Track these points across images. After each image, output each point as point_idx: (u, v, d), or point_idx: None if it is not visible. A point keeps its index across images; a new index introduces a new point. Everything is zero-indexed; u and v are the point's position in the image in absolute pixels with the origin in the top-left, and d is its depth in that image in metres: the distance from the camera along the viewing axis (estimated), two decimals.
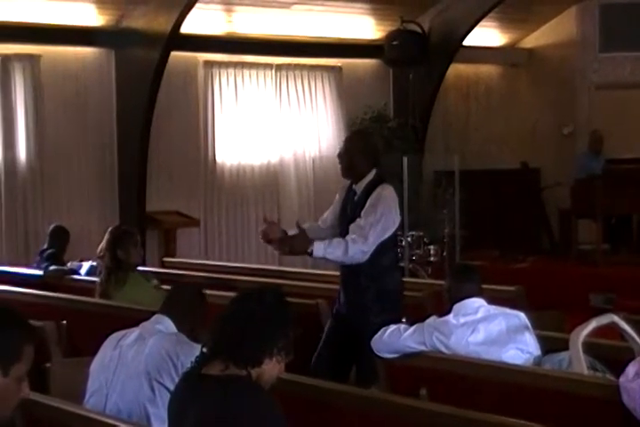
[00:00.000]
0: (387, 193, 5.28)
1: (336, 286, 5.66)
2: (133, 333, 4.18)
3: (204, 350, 3.19)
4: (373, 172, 5.37)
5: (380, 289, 5.29)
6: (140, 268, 6.66)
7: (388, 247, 5.31)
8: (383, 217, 5.19)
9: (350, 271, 5.35)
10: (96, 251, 6.66)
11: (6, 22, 9.88)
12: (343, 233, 5.28)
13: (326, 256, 5.14)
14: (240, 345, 3.08)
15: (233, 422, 2.99)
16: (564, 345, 4.41)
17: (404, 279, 5.98)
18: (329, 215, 5.62)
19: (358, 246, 5.11)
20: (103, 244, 6.49)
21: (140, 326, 4.25)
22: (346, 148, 5.43)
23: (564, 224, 11.95)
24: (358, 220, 5.22)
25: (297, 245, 5.22)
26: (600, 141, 12.00)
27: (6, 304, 2.55)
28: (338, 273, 5.66)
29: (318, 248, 5.11)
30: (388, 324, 4.85)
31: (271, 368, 3.12)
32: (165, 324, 4.18)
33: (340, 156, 5.44)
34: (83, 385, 4.24)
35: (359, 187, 5.37)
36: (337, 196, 5.63)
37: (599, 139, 12.02)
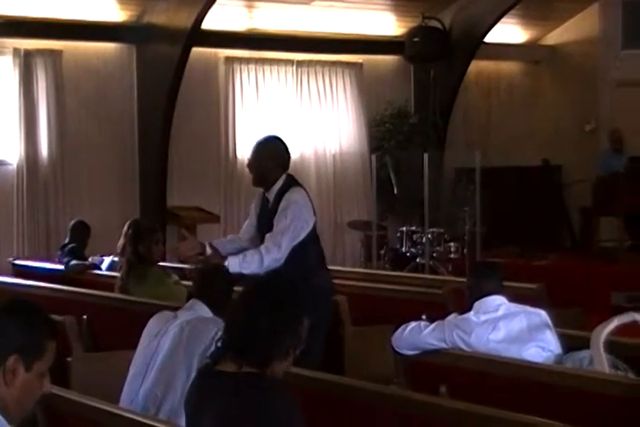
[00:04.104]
0: (295, 197, 5.20)
1: (356, 283, 5.64)
2: (173, 326, 4.20)
3: (219, 344, 3.18)
4: (284, 177, 5.28)
5: (308, 290, 5.16)
6: (159, 263, 6.66)
7: (310, 247, 5.26)
8: (294, 222, 5.13)
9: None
10: (116, 246, 6.67)
11: (28, 18, 9.92)
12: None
13: (242, 271, 5.06)
14: (252, 347, 3.05)
15: (248, 419, 2.98)
16: (585, 343, 4.39)
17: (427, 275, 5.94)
18: (248, 227, 5.53)
19: (272, 256, 5.07)
20: (122, 238, 6.48)
21: (178, 313, 4.27)
22: (253, 157, 5.33)
23: (586, 221, 11.88)
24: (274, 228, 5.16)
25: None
26: (619, 141, 11.94)
27: (30, 300, 2.56)
28: (357, 269, 5.64)
29: (234, 264, 5.04)
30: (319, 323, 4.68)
31: (282, 362, 3.11)
32: (200, 309, 4.20)
33: (248, 165, 5.36)
34: (103, 379, 4.25)
35: (271, 194, 5.29)
36: (252, 205, 5.54)
37: (619, 138, 11.98)
